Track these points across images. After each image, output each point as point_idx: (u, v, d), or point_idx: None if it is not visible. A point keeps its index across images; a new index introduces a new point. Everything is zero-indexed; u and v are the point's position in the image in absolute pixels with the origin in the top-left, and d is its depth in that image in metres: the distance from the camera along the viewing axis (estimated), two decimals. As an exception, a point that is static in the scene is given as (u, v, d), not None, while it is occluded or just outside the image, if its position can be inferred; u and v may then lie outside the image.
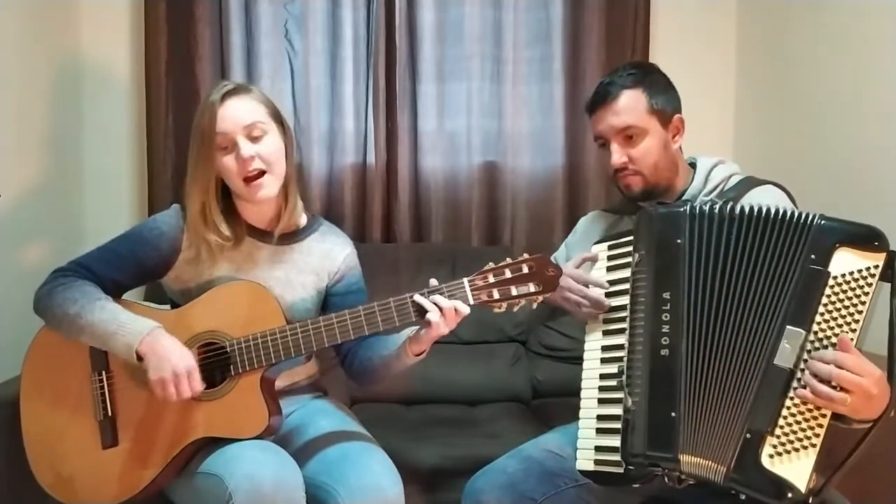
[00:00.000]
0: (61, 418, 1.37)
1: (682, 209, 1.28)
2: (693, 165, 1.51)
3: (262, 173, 1.37)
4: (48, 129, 2.25)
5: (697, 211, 1.26)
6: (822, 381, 1.09)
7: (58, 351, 1.39)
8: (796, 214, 1.19)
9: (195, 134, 1.38)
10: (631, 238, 1.33)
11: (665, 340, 1.23)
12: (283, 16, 2.47)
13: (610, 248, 1.38)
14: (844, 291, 1.13)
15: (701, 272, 1.23)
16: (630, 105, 1.41)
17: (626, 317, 1.29)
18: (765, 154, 2.47)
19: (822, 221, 1.17)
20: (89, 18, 2.43)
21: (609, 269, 1.36)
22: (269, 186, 1.39)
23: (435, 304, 1.29)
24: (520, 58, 2.54)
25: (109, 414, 1.36)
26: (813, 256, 1.15)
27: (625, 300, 1.30)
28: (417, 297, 1.30)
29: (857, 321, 1.12)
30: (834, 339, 1.12)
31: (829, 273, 1.14)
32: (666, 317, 1.24)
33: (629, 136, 1.41)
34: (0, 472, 1.55)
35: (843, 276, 1.13)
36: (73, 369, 1.38)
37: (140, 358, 1.28)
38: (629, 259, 1.32)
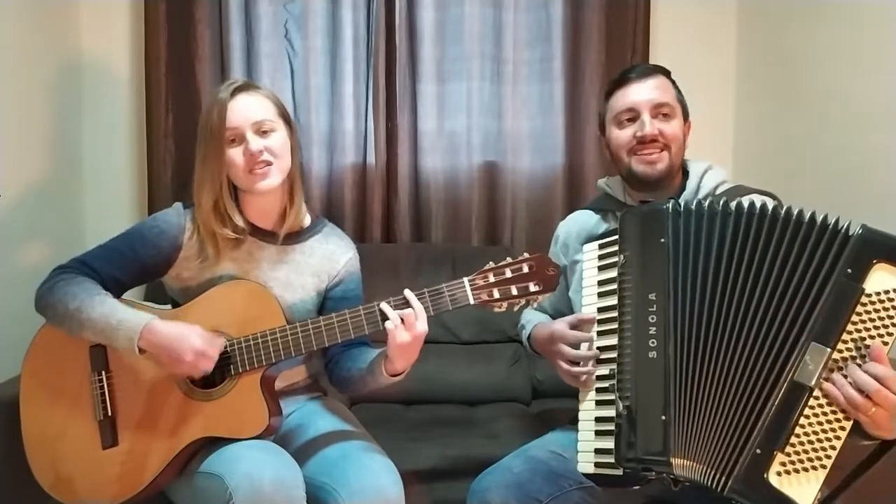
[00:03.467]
0: (61, 418, 1.37)
1: (664, 206, 1.25)
2: (682, 170, 1.50)
3: (267, 164, 1.38)
4: (48, 130, 2.25)
5: (682, 208, 1.24)
6: (856, 388, 1.05)
7: (58, 351, 1.39)
8: (832, 220, 1.13)
9: (203, 131, 1.38)
10: (617, 237, 1.32)
11: (653, 343, 1.21)
12: (283, 16, 2.47)
13: (600, 247, 1.37)
14: (877, 311, 1.06)
15: (689, 273, 1.21)
16: (665, 85, 1.45)
17: (616, 317, 1.28)
18: (764, 154, 2.47)
19: (864, 232, 1.10)
20: (90, 19, 2.43)
21: (600, 268, 1.35)
22: (273, 177, 1.39)
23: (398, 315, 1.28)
24: (520, 58, 2.54)
25: (109, 414, 1.36)
26: (849, 270, 1.08)
27: (614, 300, 1.29)
28: (407, 293, 1.30)
29: (886, 343, 1.06)
30: (860, 361, 1.06)
31: (863, 289, 1.07)
32: (652, 318, 1.22)
33: (664, 113, 1.42)
34: (0, 473, 1.55)
35: (878, 293, 1.06)
36: (72, 369, 1.38)
37: (142, 351, 1.29)
38: (616, 259, 1.30)
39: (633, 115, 1.43)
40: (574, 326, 1.36)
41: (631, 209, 1.33)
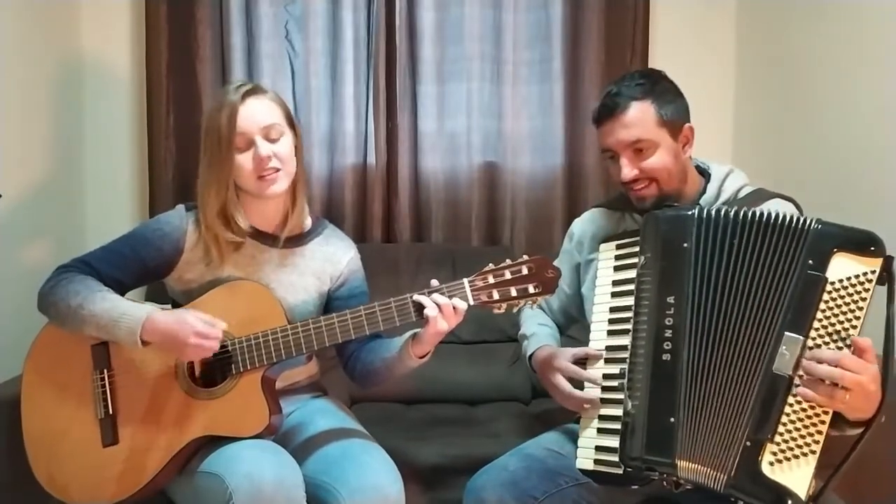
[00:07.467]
0: (62, 417, 1.38)
1: (690, 212, 1.27)
2: (701, 170, 1.48)
3: (276, 170, 1.38)
4: (50, 130, 2.26)
5: (706, 215, 1.25)
6: (820, 380, 1.09)
7: (60, 349, 1.39)
8: (794, 219, 1.18)
9: (211, 135, 1.37)
10: (638, 239, 1.32)
11: (667, 345, 1.23)
12: (284, 17, 2.48)
13: (618, 247, 1.38)
14: (842, 297, 1.12)
15: (705, 277, 1.23)
16: (639, 118, 1.35)
17: (630, 317, 1.29)
18: (764, 154, 2.47)
19: (819, 226, 1.16)
20: (91, 19, 2.44)
21: (616, 268, 1.36)
22: (281, 182, 1.39)
23: (434, 302, 1.29)
24: (520, 58, 2.55)
25: (110, 412, 1.36)
26: (811, 262, 1.15)
27: (630, 301, 1.30)
28: (417, 296, 1.31)
29: (854, 327, 1.11)
30: (832, 346, 1.11)
31: (826, 278, 1.13)
32: (669, 321, 1.23)
33: (639, 149, 1.35)
34: (0, 472, 1.56)
35: (841, 281, 1.13)
36: (74, 367, 1.38)
37: (145, 343, 1.29)
38: (636, 260, 1.31)
39: (614, 154, 1.39)
40: (579, 359, 1.36)
41: (654, 212, 1.32)
